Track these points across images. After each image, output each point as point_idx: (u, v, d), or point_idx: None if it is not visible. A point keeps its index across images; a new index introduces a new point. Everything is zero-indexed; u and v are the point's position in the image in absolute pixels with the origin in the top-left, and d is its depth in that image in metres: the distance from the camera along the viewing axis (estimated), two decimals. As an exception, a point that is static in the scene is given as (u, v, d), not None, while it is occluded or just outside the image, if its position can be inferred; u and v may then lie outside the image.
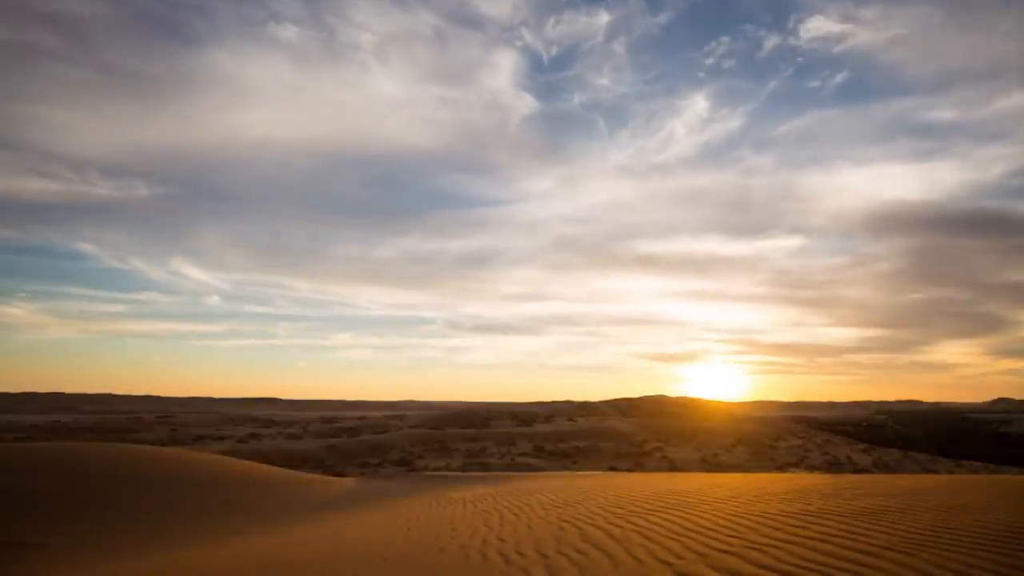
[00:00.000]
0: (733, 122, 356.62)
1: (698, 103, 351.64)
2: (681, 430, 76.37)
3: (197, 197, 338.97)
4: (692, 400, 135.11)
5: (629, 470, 44.27)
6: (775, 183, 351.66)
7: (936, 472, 42.06)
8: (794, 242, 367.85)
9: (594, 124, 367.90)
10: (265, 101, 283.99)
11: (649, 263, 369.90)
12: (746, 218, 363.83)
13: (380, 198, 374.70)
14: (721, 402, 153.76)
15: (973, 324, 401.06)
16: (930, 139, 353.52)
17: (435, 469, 44.88)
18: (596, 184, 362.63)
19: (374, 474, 39.94)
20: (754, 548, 7.16)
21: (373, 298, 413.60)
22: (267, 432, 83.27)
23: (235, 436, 75.81)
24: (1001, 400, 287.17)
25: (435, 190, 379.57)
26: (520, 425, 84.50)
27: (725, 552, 7.14)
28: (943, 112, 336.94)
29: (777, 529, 8.08)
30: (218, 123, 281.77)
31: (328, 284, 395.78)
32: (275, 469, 29.56)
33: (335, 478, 30.97)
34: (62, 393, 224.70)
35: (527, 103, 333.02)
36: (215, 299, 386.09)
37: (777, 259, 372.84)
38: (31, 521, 17.62)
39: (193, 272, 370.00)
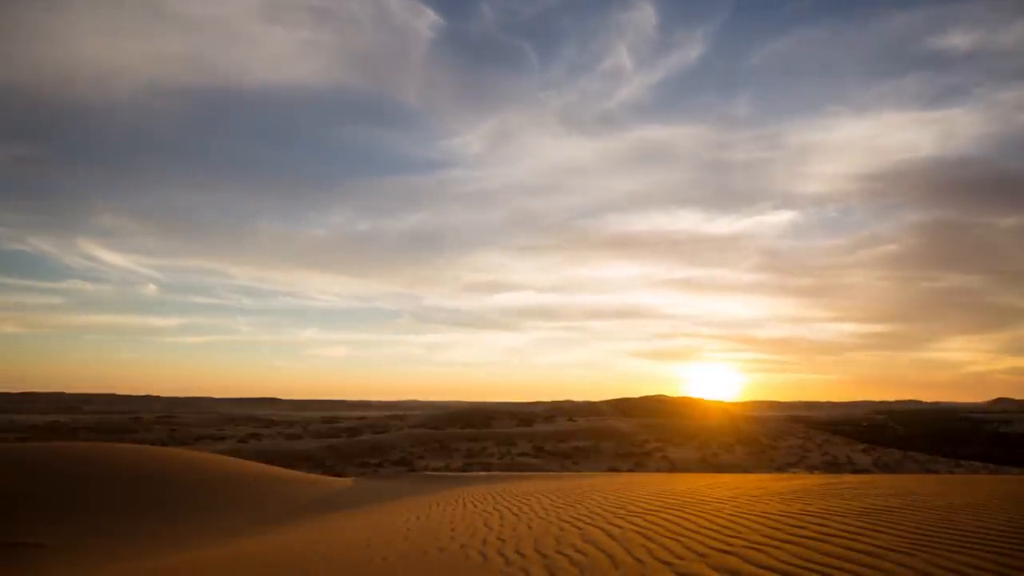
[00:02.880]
0: (692, 48, 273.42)
1: (645, 15, 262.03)
2: (681, 430, 76.40)
3: (65, 158, 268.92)
4: (692, 400, 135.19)
5: (629, 470, 44.30)
6: (756, 139, 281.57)
7: (936, 472, 42.10)
8: (784, 217, 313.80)
9: (519, 54, 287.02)
10: (77, 7, 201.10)
11: (622, 245, 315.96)
12: (726, 186, 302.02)
13: (284, 161, 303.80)
14: (720, 402, 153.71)
15: (984, 318, 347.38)
16: (943, 74, 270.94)
17: (435, 469, 44.90)
18: (537, 142, 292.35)
19: (374, 474, 39.96)
20: (754, 548, 7.16)
21: (323, 287, 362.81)
22: (267, 432, 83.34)
23: (235, 436, 75.89)
24: (1000, 400, 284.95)
25: (344, 148, 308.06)
26: (520, 425, 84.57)
27: (725, 552, 7.14)
28: (956, 36, 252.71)
29: (777, 529, 8.08)
30: (28, 40, 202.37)
31: (267, 271, 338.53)
32: (275, 469, 29.56)
33: (335, 478, 30.98)
34: (62, 393, 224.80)
35: (428, 21, 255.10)
36: (152, 288, 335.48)
37: (767, 239, 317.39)
38: (31, 521, 17.62)
39: (111, 257, 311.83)
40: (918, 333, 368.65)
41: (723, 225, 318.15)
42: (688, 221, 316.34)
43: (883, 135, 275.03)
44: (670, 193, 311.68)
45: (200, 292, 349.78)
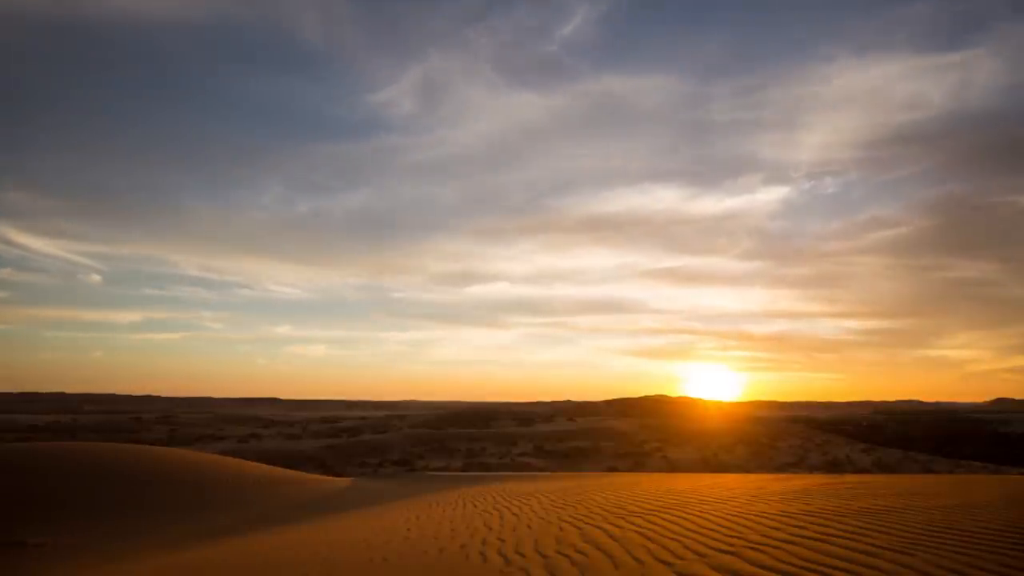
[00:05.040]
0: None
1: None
2: (681, 430, 76.37)
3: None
4: (692, 400, 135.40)
5: (629, 470, 44.29)
6: (737, 93, 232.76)
7: (936, 472, 42.11)
8: (776, 195, 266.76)
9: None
10: None
11: (595, 229, 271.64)
12: (707, 154, 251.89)
13: (183, 119, 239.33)
14: (720, 402, 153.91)
15: (994, 313, 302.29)
16: (959, 3, 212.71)
17: (435, 469, 44.90)
18: (476, 99, 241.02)
19: (374, 474, 39.98)
20: (754, 548, 7.16)
21: (278, 277, 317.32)
22: (267, 432, 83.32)
23: (235, 436, 75.91)
24: (999, 400, 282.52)
25: (251, 104, 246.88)
26: (520, 425, 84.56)
27: (725, 552, 7.14)
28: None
29: (777, 529, 8.08)
30: None
31: (212, 259, 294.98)
32: (275, 469, 29.56)
33: (335, 478, 30.98)
34: (63, 393, 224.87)
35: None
36: (96, 279, 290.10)
37: (757, 219, 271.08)
38: (31, 521, 17.62)
39: (35, 243, 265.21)
40: (923, 329, 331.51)
41: (707, 204, 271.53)
42: (666, 200, 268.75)
43: (887, 86, 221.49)
44: (642, 165, 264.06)
45: (149, 284, 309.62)
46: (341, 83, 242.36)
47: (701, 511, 10.23)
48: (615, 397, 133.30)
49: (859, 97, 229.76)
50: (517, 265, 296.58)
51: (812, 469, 47.52)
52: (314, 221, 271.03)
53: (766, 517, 9.03)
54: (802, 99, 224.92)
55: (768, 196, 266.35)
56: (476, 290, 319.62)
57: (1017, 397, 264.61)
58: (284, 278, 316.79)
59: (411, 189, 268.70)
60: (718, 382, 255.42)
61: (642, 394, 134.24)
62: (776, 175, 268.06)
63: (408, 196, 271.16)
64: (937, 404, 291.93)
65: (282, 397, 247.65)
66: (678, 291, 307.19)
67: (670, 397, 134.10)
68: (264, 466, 29.80)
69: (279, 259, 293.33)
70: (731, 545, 7.45)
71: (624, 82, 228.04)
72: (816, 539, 7.28)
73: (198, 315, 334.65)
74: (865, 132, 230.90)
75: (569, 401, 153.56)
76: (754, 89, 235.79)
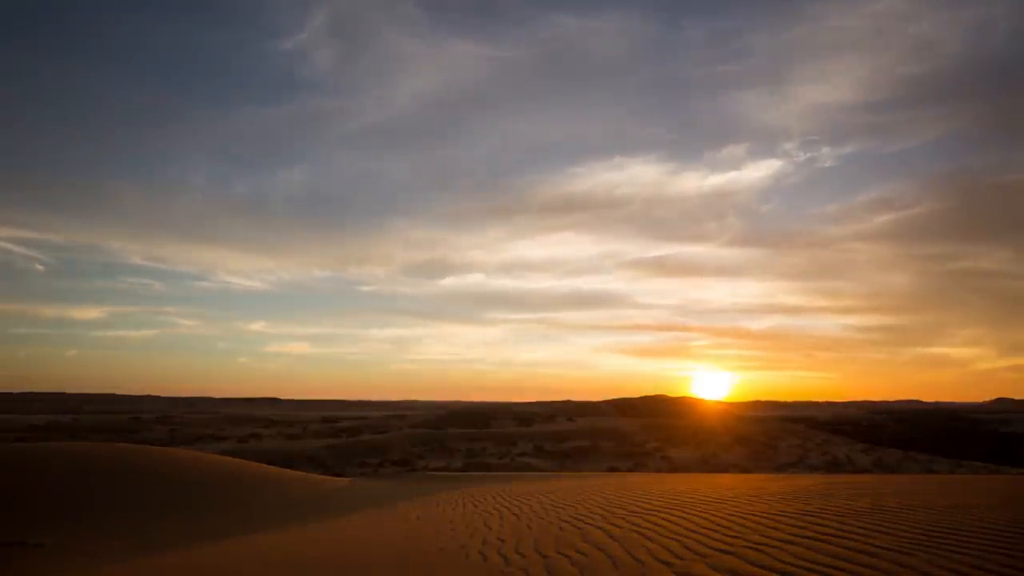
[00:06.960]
0: None
1: None
2: (681, 430, 76.39)
3: None
4: (691, 400, 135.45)
5: (629, 470, 44.29)
6: (712, 38, 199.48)
7: (936, 472, 42.11)
8: (766, 170, 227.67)
9: None
10: None
11: (566, 210, 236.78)
12: (683, 118, 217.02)
13: (94, 85, 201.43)
14: (719, 401, 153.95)
15: (1002, 308, 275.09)
16: None
17: (435, 469, 44.90)
18: (400, 47, 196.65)
19: (374, 474, 40.00)
20: (754, 548, 7.17)
21: (235, 268, 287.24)
22: (267, 432, 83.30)
23: (235, 436, 75.91)
24: (1000, 400, 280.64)
25: (155, 54, 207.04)
26: (520, 425, 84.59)
27: (725, 552, 7.15)
28: None
29: (777, 529, 8.09)
30: None
31: (157, 248, 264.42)
32: (275, 469, 29.56)
33: (335, 478, 30.99)
34: (63, 393, 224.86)
35: None
36: (39, 268, 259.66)
37: (745, 200, 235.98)
38: (31, 521, 17.62)
39: None
40: (926, 326, 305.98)
41: (690, 182, 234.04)
42: (644, 177, 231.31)
43: (892, 26, 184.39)
44: (612, 134, 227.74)
45: (97, 276, 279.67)
46: (239, 25, 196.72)
47: (701, 511, 10.23)
48: (615, 397, 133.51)
49: (856, 43, 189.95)
50: (490, 254, 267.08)
51: (812, 469, 47.53)
52: (256, 204, 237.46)
53: (766, 517, 9.04)
54: (791, 45, 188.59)
55: (757, 172, 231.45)
56: (451, 282, 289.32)
57: (1017, 397, 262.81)
58: (240, 268, 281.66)
59: (352, 164, 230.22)
60: (715, 381, 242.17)
61: (640, 393, 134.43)
62: (765, 146, 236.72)
63: (351, 173, 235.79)
64: (937, 404, 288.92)
65: (279, 397, 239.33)
66: (666, 283, 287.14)
67: (670, 397, 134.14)
68: (264, 466, 29.80)
69: (229, 248, 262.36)
70: (731, 545, 7.45)
71: (577, 23, 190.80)
72: (816, 539, 7.28)
73: (162, 311, 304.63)
74: (866, 89, 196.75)
75: (569, 401, 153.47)
76: (732, 33, 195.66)
